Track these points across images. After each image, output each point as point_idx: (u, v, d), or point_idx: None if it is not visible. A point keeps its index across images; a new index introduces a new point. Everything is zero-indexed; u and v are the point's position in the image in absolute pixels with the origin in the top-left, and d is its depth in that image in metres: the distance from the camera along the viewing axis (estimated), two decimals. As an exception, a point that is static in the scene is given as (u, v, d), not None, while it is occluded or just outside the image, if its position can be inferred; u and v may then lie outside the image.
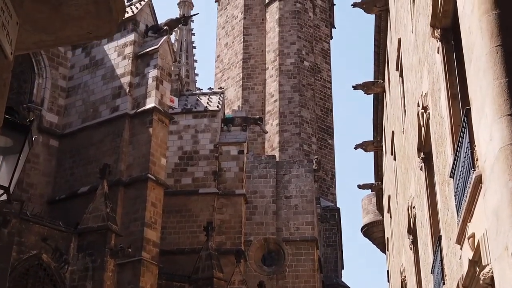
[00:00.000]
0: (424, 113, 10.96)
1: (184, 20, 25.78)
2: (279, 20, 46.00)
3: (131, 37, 24.63)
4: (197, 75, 62.06)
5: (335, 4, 52.34)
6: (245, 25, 47.92)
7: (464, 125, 7.18)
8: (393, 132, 19.44)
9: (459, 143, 7.47)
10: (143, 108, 23.37)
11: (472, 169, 6.83)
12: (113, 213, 21.09)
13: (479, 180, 6.47)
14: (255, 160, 34.26)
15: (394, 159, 19.55)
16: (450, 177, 8.30)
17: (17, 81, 24.57)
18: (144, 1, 25.52)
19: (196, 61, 67.72)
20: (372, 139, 25.72)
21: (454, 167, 7.96)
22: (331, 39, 50.27)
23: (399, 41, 15.73)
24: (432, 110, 10.21)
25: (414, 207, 13.81)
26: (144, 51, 24.26)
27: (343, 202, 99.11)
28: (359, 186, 27.75)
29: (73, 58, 25.95)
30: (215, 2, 52.36)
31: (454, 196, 8.08)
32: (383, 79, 22.29)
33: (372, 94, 23.79)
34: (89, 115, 24.55)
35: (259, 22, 47.84)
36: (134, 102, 23.72)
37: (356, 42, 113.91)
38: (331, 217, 41.04)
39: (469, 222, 7.20)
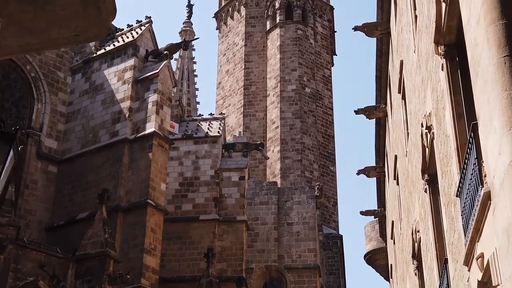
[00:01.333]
0: (428, 133, 10.76)
1: (185, 44, 25.71)
2: (280, 46, 46.06)
3: (131, 62, 24.52)
4: (198, 103, 62.06)
5: (336, 31, 52.51)
6: (246, 52, 47.97)
7: (471, 140, 6.97)
8: (395, 156, 19.26)
9: (466, 160, 7.26)
10: (143, 133, 23.18)
11: (480, 186, 6.61)
12: (112, 239, 20.79)
13: (487, 197, 6.25)
14: (256, 187, 34.01)
15: (397, 184, 19.36)
16: (457, 196, 8.08)
17: (16, 107, 24.44)
18: (144, 26, 25.47)
19: (197, 89, 67.82)
20: (375, 165, 25.56)
21: (460, 185, 7.75)
22: (332, 66, 50.34)
23: (401, 63, 15.60)
24: (437, 130, 10.00)
25: (418, 231, 13.56)
26: (144, 76, 24.14)
27: (345, 229, 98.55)
28: (362, 213, 27.47)
29: (72, 83, 25.85)
30: (216, 29, 52.53)
31: (461, 215, 7.85)
32: (385, 104, 22.18)
33: (374, 119, 23.70)
34: (89, 140, 24.35)
35: (260, 49, 47.91)
36: (134, 127, 23.54)
37: (357, 66, 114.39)
38: (333, 245, 40.64)
39: (478, 241, 6.97)
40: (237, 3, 50.53)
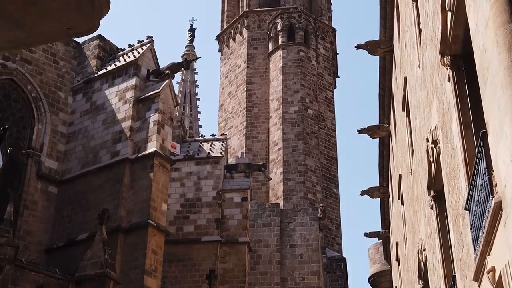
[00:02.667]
0: (434, 148, 10.58)
1: (186, 64, 25.58)
2: (283, 68, 46.00)
3: (132, 81, 24.39)
4: (200, 126, 62.10)
5: (338, 53, 52.55)
6: (248, 74, 47.92)
7: (480, 150, 6.76)
8: (400, 175, 19.10)
9: (475, 171, 7.06)
10: (144, 153, 22.96)
11: (491, 196, 6.41)
12: (112, 260, 20.50)
13: (498, 207, 6.04)
14: (259, 208, 33.76)
15: (402, 203, 19.17)
16: (465, 209, 7.87)
17: (16, 127, 24.28)
18: (146, 46, 25.37)
19: (199, 112, 67.92)
20: (378, 185, 25.38)
21: (469, 197, 7.54)
22: (334, 88, 50.26)
23: (405, 80, 15.49)
24: (443, 143, 9.81)
25: (424, 250, 13.33)
26: (145, 95, 23.99)
27: (349, 251, 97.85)
28: (366, 235, 27.21)
29: (73, 103, 25.71)
30: (218, 51, 52.57)
31: (470, 229, 7.62)
32: (389, 123, 22.06)
33: (378, 139, 23.55)
34: (89, 161, 24.15)
35: (263, 71, 47.87)
36: (135, 147, 23.33)
37: (360, 87, 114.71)
38: (337, 268, 40.19)
39: (488, 255, 6.73)
40: (239, 26, 50.59)
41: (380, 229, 27.08)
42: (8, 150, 18.56)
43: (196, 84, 69.48)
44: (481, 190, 6.82)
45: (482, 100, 6.72)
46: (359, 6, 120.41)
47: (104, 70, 25.54)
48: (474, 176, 7.13)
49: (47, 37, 4.29)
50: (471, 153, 8.08)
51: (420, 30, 12.05)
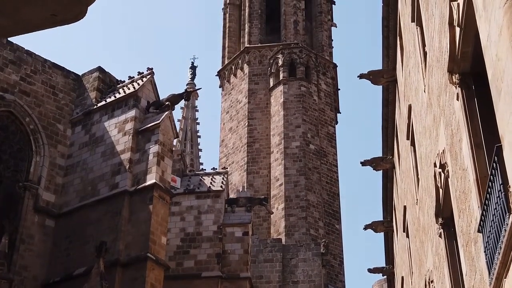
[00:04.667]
0: (442, 172, 10.27)
1: (187, 94, 25.35)
2: (284, 103, 45.85)
3: (132, 113, 24.13)
4: (201, 164, 61.77)
5: (339, 89, 52.46)
6: (249, 109, 47.77)
7: (494, 166, 6.43)
8: (404, 207, 18.84)
9: (489, 189, 6.72)
10: (143, 185, 22.58)
11: (507, 214, 6.08)
12: (110, 294, 19.98)
13: (516, 224, 5.68)
14: (260, 244, 33.27)
15: (407, 236, 18.86)
16: (478, 231, 7.51)
17: (13, 159, 23.95)
18: (146, 78, 25.19)
19: (200, 150, 67.74)
20: (382, 219, 25.07)
21: (483, 218, 7.20)
22: (336, 124, 50.06)
23: (409, 107, 15.30)
24: (452, 166, 9.51)
25: (432, 281, 12.95)
26: (145, 127, 23.70)
27: None
28: (370, 270, 26.72)
29: (72, 135, 25.41)
30: (219, 87, 52.52)
31: (484, 252, 7.26)
32: (392, 155, 21.88)
33: (381, 171, 23.32)
34: (88, 193, 23.76)
35: (264, 106, 47.73)
36: (134, 179, 22.97)
37: (362, 119, 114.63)
38: (340, 305, 39.55)
39: (505, 277, 6.39)
40: (240, 61, 50.62)
41: (384, 265, 26.62)
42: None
43: (197, 121, 69.43)
44: (496, 208, 6.50)
45: (495, 113, 6.43)
46: (360, 42, 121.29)
47: (103, 102, 25.31)
48: (488, 195, 6.81)
49: (31, 24, 3.97)
50: (483, 173, 7.78)
51: (425, 54, 11.90)
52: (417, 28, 12.82)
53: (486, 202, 6.90)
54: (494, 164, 6.43)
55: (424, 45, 12.05)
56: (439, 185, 10.72)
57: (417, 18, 12.70)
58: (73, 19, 3.88)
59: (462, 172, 8.67)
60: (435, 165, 10.90)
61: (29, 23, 3.85)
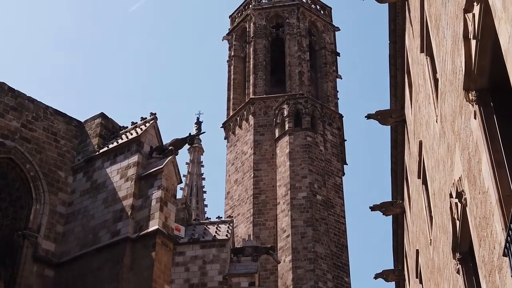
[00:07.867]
0: (459, 202, 9.72)
1: (190, 139, 24.90)
2: (290, 154, 45.34)
3: (134, 158, 23.62)
4: (208, 219, 60.97)
5: (346, 140, 51.95)
6: (255, 161, 47.26)
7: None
8: (417, 251, 18.23)
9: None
10: (145, 231, 21.86)
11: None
12: None
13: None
14: (267, 296, 32.30)
15: (420, 282, 18.22)
16: (504, 255, 6.90)
17: (13, 207, 23.33)
18: (149, 123, 24.78)
19: (206, 205, 67.09)
20: (393, 268, 24.36)
21: (508, 239, 6.60)
22: (343, 175, 49.38)
23: (420, 144, 14.86)
24: (470, 191, 8.94)
25: (451, 323, 12.17)
26: (147, 172, 23.15)
27: None
28: (381, 323, 25.69)
29: (74, 183, 24.83)
30: (225, 139, 52.13)
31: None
32: (402, 199, 21.35)
33: (391, 217, 22.76)
34: (88, 241, 23.03)
35: (269, 157, 47.23)
36: (136, 225, 22.29)
37: (369, 167, 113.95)
38: None
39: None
40: (245, 113, 50.38)
41: (396, 318, 25.66)
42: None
43: (202, 177, 68.95)
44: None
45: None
46: (365, 92, 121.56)
47: (105, 148, 24.84)
48: (513, 215, 6.24)
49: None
50: (506, 192, 7.23)
51: (436, 81, 11.52)
52: (426, 58, 12.50)
53: (512, 223, 6.32)
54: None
55: (434, 72, 11.68)
56: (455, 216, 10.21)
57: (426, 47, 12.37)
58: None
59: (482, 195, 8.14)
60: (450, 196, 10.37)
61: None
